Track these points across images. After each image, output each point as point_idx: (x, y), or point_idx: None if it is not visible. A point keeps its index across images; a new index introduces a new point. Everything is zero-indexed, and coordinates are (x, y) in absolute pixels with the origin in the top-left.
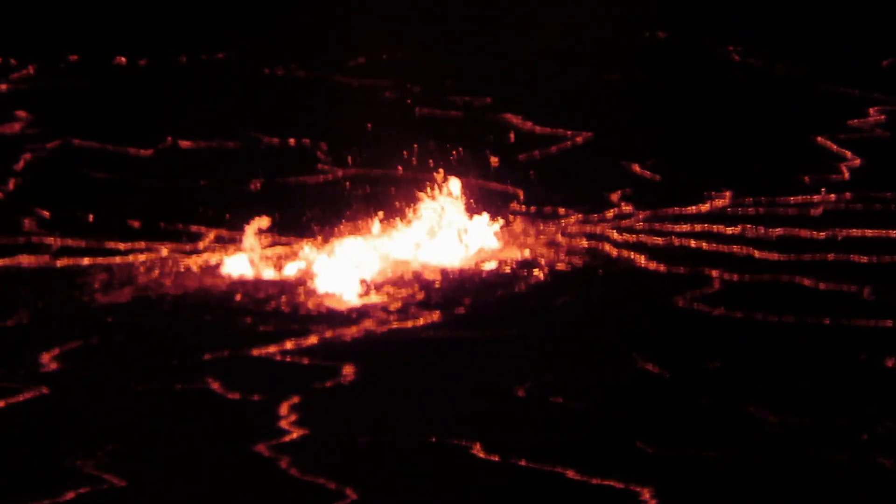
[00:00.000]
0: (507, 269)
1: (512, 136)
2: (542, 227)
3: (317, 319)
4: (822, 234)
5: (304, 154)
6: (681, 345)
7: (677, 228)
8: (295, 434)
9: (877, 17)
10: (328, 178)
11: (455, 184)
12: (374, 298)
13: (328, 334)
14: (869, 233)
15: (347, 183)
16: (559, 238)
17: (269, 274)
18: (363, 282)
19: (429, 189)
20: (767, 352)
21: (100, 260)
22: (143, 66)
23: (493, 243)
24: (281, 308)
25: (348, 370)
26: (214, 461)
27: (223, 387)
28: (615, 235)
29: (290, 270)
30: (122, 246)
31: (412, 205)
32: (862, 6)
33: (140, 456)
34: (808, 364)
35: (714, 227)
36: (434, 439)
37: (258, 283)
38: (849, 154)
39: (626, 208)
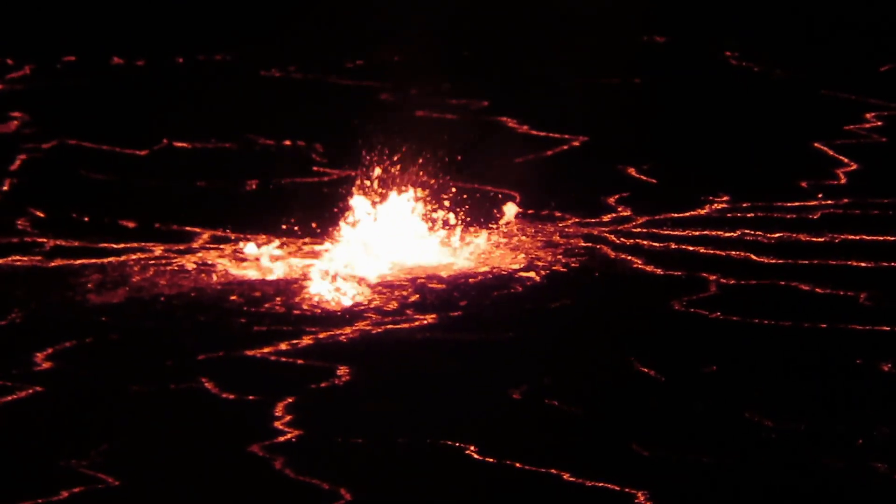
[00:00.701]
0: (504, 272)
1: (509, 138)
2: (538, 230)
3: (311, 320)
4: (820, 239)
5: (299, 155)
6: (677, 349)
7: (675, 233)
8: (290, 435)
9: (875, 23)
10: (323, 179)
11: (452, 186)
12: (370, 300)
13: (323, 335)
14: (867, 238)
15: (343, 184)
16: (556, 241)
17: (264, 275)
18: (358, 283)
19: (425, 191)
20: (764, 356)
21: (93, 260)
22: (139, 66)
23: (490, 246)
24: (275, 309)
25: (343, 371)
26: (209, 461)
27: (218, 387)
28: (612, 239)
29: (285, 271)
30: (116, 246)
31: (408, 206)
32: (860, 11)
33: (134, 456)
34: (805, 369)
35: (711, 231)
36: (429, 441)
37: (253, 284)
38: (846, 159)
39: (624, 212)
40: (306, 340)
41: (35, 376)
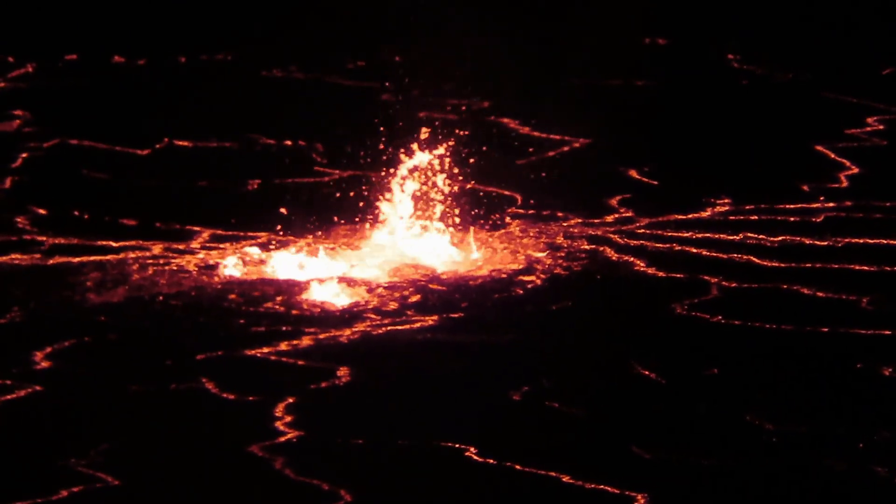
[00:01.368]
0: (505, 274)
1: (510, 140)
2: (539, 232)
3: (311, 321)
4: (823, 243)
5: (300, 155)
6: (678, 352)
7: (676, 235)
8: (290, 435)
9: (877, 25)
10: (324, 179)
11: (453, 187)
12: (370, 301)
13: (323, 336)
14: (870, 241)
15: (343, 184)
16: (557, 242)
17: (263, 274)
18: (359, 284)
19: (426, 192)
20: (765, 360)
21: (93, 258)
22: (141, 65)
23: (491, 247)
24: (275, 309)
25: (343, 372)
26: (208, 461)
27: (217, 387)
28: (614, 241)
29: (285, 271)
30: (115, 244)
31: (409, 207)
32: (862, 14)
33: (134, 455)
34: (806, 372)
35: (714, 234)
36: (429, 442)
37: (252, 284)
38: (847, 162)
39: (625, 214)
40: (306, 341)
41: (34, 375)
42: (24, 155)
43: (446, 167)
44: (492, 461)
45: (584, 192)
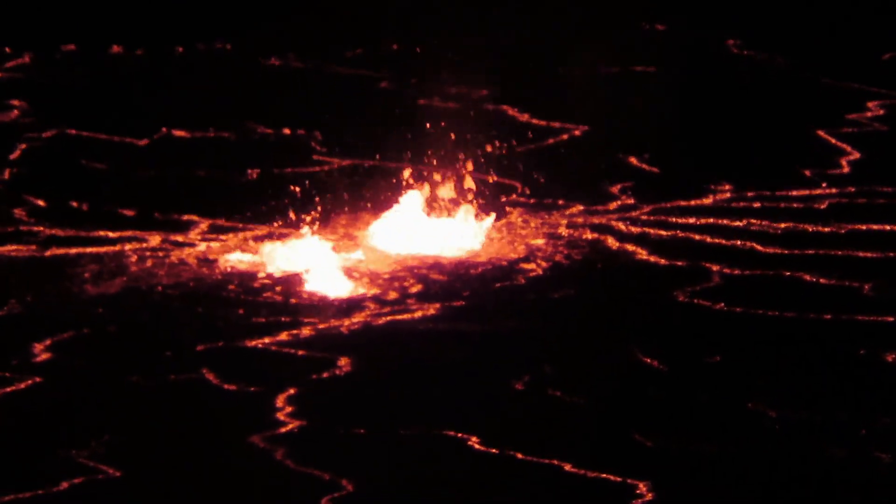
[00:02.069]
0: (506, 262)
1: (509, 128)
2: (540, 220)
3: (312, 311)
4: (826, 229)
5: (299, 144)
6: (680, 339)
7: (678, 222)
8: (291, 425)
9: (877, 11)
10: (324, 168)
11: (453, 175)
12: (371, 290)
13: (323, 326)
14: (873, 227)
15: (343, 174)
16: (558, 231)
17: (262, 264)
18: (359, 273)
19: (425, 180)
20: (767, 347)
21: (91, 250)
22: (139, 56)
23: (492, 235)
24: (275, 299)
25: (344, 362)
26: (209, 452)
27: (218, 378)
28: (615, 228)
29: (284, 261)
30: (113, 235)
31: (410, 196)
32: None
33: (135, 447)
34: (808, 359)
35: (715, 220)
36: (431, 431)
37: (252, 275)
38: (848, 148)
39: (626, 201)
40: (307, 331)
41: (34, 367)
42: (22, 146)
43: (446, 156)
44: (493, 450)
45: (584, 180)
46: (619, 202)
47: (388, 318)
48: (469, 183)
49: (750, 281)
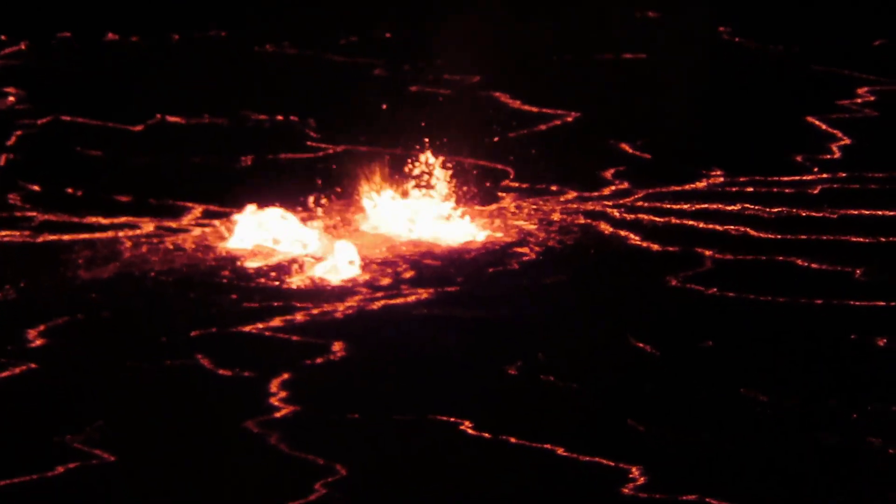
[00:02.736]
0: (499, 248)
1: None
2: (533, 206)
3: (306, 296)
4: (818, 214)
5: (293, 131)
6: (673, 324)
7: (671, 207)
8: (285, 411)
9: None
10: (317, 154)
11: (446, 161)
12: (365, 275)
13: (317, 311)
14: (866, 212)
15: (336, 160)
16: (551, 217)
17: (257, 250)
18: (353, 259)
19: (419, 166)
20: (760, 332)
21: (84, 236)
22: (134, 42)
23: (485, 221)
24: (269, 284)
25: (338, 347)
26: (203, 437)
27: (212, 363)
28: (608, 214)
29: (279, 247)
30: (106, 221)
31: (402, 182)
32: None
33: (129, 432)
34: (800, 344)
35: (708, 205)
36: (424, 417)
37: (246, 260)
38: (839, 133)
39: (619, 187)
40: (300, 316)
41: (28, 353)
42: (17, 132)
43: (438, 141)
44: (487, 435)
45: (576, 166)
46: (611, 188)
47: (382, 303)
48: (462, 169)
49: (742, 266)
